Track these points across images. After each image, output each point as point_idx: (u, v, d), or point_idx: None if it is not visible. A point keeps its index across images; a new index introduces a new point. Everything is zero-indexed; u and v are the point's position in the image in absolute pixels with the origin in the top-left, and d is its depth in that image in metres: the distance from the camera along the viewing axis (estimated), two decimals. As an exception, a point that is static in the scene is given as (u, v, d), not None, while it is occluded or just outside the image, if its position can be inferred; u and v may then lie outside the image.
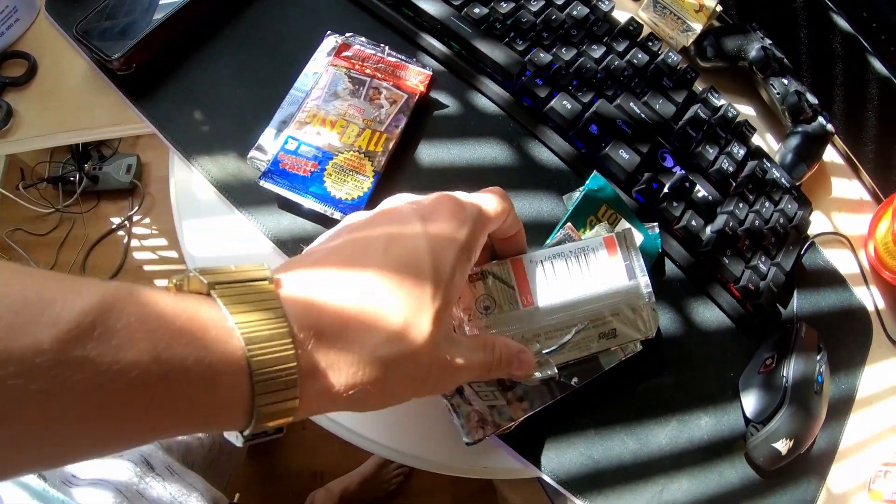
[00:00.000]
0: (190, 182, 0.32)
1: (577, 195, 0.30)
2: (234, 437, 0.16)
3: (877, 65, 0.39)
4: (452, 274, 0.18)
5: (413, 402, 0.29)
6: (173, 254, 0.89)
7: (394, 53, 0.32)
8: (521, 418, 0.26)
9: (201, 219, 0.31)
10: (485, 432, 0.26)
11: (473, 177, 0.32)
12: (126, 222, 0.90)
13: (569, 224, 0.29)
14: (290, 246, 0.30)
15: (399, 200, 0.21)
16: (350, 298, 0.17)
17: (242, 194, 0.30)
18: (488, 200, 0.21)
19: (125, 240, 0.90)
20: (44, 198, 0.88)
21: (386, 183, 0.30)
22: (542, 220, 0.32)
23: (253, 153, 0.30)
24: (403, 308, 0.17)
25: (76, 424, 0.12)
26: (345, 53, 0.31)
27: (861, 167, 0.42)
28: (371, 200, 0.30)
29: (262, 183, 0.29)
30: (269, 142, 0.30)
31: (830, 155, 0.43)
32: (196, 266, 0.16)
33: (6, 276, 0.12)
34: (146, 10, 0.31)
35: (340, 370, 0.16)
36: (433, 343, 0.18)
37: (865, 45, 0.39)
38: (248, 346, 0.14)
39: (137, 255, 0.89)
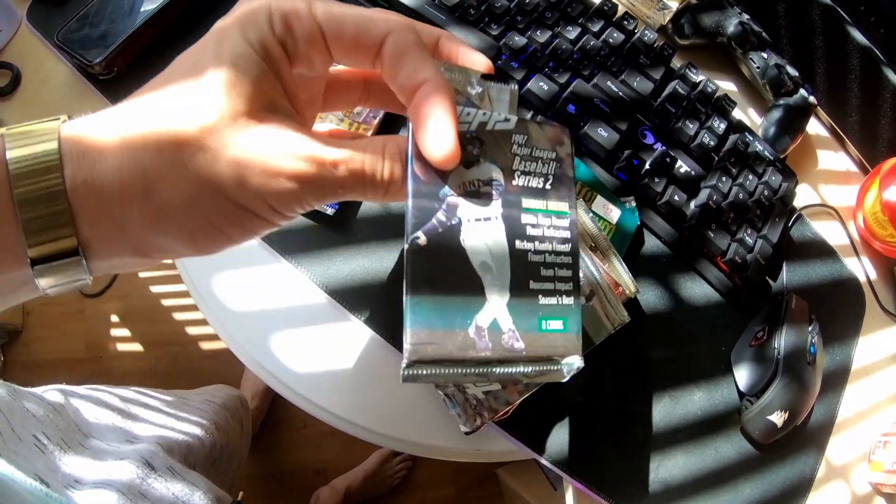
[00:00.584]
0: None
1: None
2: (31, 277, 0.14)
3: (857, 35, 0.38)
4: (233, 48, 0.15)
5: (412, 390, 0.30)
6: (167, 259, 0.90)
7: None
8: (518, 401, 0.26)
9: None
10: (482, 420, 0.26)
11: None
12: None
13: None
14: (276, 239, 0.30)
15: None
16: (130, 103, 0.15)
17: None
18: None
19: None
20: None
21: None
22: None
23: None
24: (180, 91, 0.14)
25: None
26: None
27: (846, 138, 0.42)
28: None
29: None
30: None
31: (815, 127, 0.43)
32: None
33: None
34: (126, 15, 0.32)
35: (108, 163, 0.14)
36: (221, 126, 0.14)
37: (844, 15, 0.39)
38: (8, 144, 0.13)
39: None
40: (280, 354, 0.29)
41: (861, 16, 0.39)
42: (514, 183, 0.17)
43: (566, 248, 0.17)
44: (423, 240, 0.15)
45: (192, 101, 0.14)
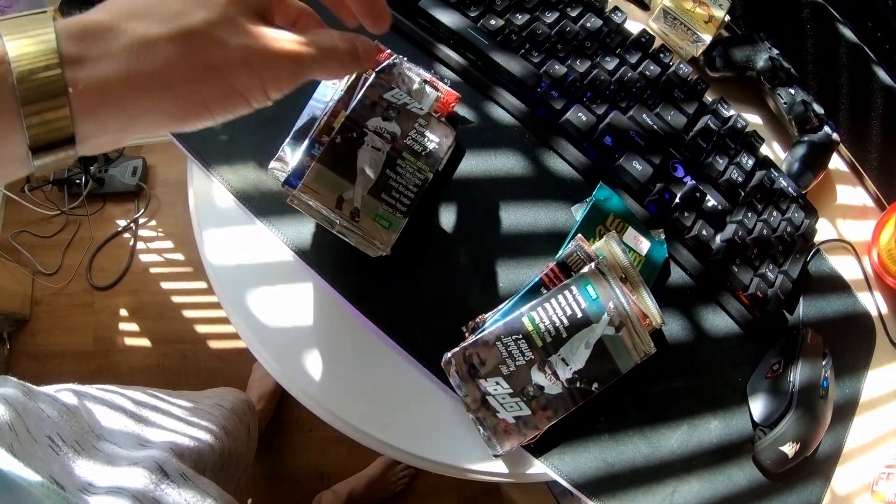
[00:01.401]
0: (209, 191, 0.32)
1: (585, 206, 0.31)
2: (25, 157, 0.15)
3: (882, 74, 0.39)
4: None
5: (427, 406, 0.30)
6: (179, 256, 0.90)
7: (412, 66, 0.32)
8: (546, 427, 0.27)
9: (221, 228, 0.32)
10: (512, 444, 0.27)
11: (490, 187, 0.33)
12: (132, 224, 0.90)
13: (579, 236, 0.29)
14: (311, 255, 0.30)
15: None
16: (122, 2, 0.17)
17: (262, 204, 0.31)
18: None
19: (131, 242, 0.90)
20: (49, 200, 0.88)
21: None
22: (557, 230, 0.32)
23: (273, 164, 0.30)
24: (191, 21, 0.17)
25: None
26: (377, 69, 0.31)
27: (865, 174, 0.43)
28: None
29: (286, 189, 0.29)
30: (289, 153, 0.31)
31: (835, 162, 0.44)
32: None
33: None
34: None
35: (111, 55, 0.16)
36: (218, 19, 0.17)
37: (871, 54, 0.39)
38: (6, 37, 0.15)
39: (143, 258, 0.89)
40: (300, 361, 0.30)
41: (887, 54, 0.40)
42: (404, 141, 0.29)
43: (414, 189, 0.29)
44: (339, 140, 0.28)
45: (196, 4, 0.17)
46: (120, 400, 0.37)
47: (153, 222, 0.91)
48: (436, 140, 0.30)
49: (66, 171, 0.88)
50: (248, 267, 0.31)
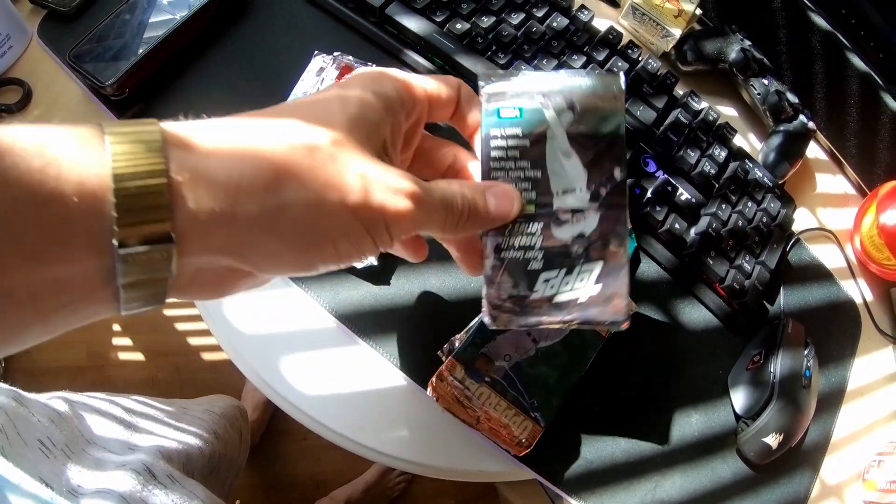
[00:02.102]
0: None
1: None
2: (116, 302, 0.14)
3: (856, 61, 0.39)
4: (359, 96, 0.16)
5: (413, 410, 0.30)
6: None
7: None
8: (625, 262, 0.19)
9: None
10: (620, 302, 0.19)
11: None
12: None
13: None
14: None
15: None
16: (237, 131, 0.14)
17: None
18: (425, 80, 0.19)
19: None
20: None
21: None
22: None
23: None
24: (307, 115, 0.15)
25: None
26: (347, 76, 0.32)
27: (845, 161, 0.43)
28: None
29: None
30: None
31: (814, 151, 0.43)
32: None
33: None
34: (137, 36, 0.32)
35: (222, 156, 0.14)
36: (349, 145, 0.15)
37: (844, 42, 0.39)
38: (113, 151, 0.12)
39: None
40: (285, 372, 0.30)
41: (861, 41, 0.40)
42: None
43: None
44: None
45: (324, 123, 0.15)
46: (110, 407, 0.37)
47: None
48: None
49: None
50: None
